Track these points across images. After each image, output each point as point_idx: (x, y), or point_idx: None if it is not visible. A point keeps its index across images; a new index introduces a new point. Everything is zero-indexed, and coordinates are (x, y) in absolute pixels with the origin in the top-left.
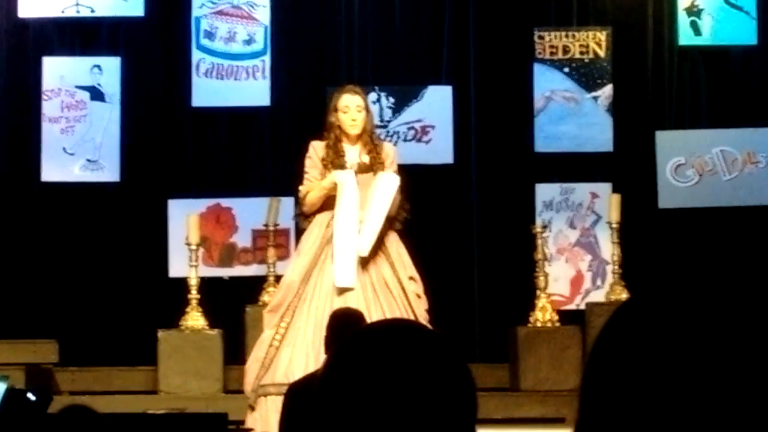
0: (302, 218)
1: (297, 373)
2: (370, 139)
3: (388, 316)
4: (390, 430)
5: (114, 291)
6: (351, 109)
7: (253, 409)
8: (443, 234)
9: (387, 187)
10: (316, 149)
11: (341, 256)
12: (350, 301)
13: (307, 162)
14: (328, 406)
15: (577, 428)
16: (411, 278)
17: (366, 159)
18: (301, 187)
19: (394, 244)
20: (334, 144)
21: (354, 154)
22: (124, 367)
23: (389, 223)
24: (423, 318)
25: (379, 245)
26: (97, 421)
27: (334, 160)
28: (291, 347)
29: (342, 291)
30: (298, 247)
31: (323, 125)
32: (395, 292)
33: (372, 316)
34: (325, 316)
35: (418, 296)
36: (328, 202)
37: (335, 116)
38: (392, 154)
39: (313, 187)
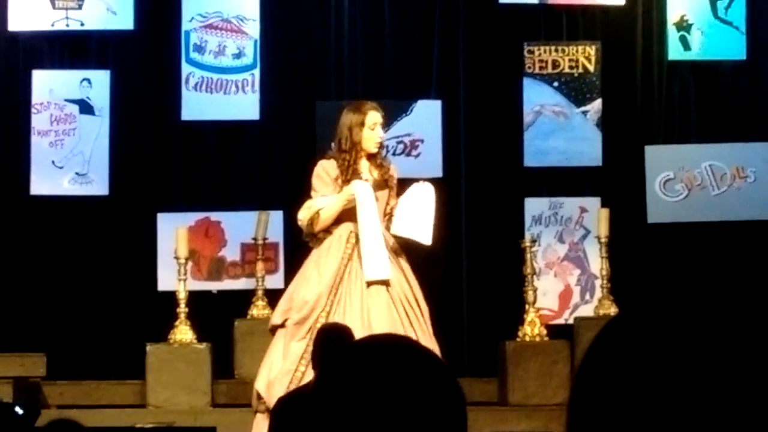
0: (314, 239)
1: None
2: (378, 155)
3: (417, 333)
4: None
5: (102, 304)
6: (377, 126)
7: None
8: (432, 248)
9: (428, 193)
10: (327, 168)
11: (370, 250)
12: (383, 317)
13: (316, 181)
14: (318, 421)
15: None
16: (419, 293)
17: (377, 175)
18: (310, 203)
19: (404, 258)
20: (353, 160)
21: (366, 171)
22: (112, 381)
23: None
24: (431, 333)
25: (397, 263)
26: None
27: (352, 178)
28: None
29: (375, 306)
30: (314, 262)
31: (338, 142)
32: (416, 311)
33: (406, 332)
34: (363, 332)
35: (427, 311)
36: (339, 217)
37: (359, 133)
38: (393, 169)
39: (325, 204)
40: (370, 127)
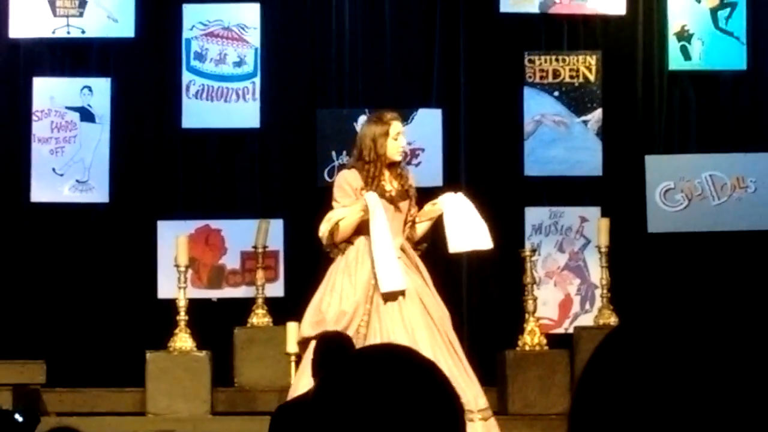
0: (335, 248)
1: None
2: (398, 166)
3: (452, 341)
4: None
5: (102, 312)
6: (401, 135)
7: None
8: (432, 257)
9: (462, 201)
10: (349, 179)
11: (382, 262)
12: (422, 326)
13: (338, 192)
14: (319, 430)
15: None
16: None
17: (397, 185)
18: (330, 215)
19: (426, 269)
20: (378, 170)
21: (388, 181)
22: (111, 389)
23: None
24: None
25: (420, 274)
26: None
27: (377, 189)
28: None
29: (413, 314)
30: (343, 273)
31: (360, 153)
32: (445, 320)
33: (438, 341)
34: (405, 340)
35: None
36: (361, 228)
37: (383, 144)
38: (411, 179)
39: (344, 215)
40: (394, 137)
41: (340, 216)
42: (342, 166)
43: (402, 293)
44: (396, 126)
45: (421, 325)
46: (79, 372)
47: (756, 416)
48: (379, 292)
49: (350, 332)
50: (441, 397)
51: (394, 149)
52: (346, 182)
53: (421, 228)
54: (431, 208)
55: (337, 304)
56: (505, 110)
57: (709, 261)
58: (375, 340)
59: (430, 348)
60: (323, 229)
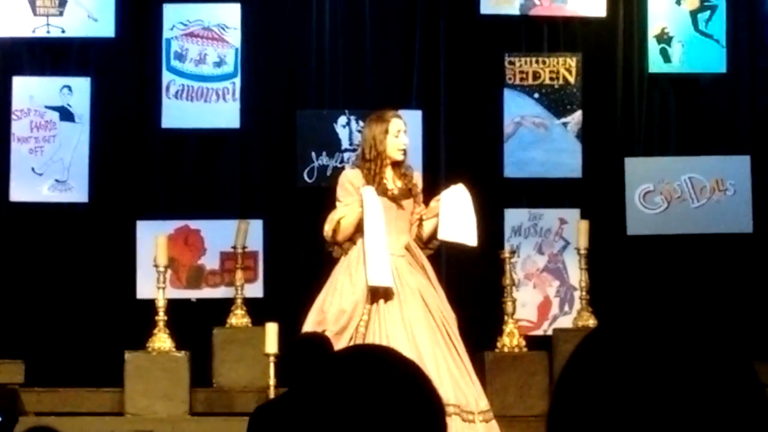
0: (338, 248)
1: None
2: (401, 165)
3: (454, 341)
4: None
5: (81, 312)
6: (401, 133)
7: None
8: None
9: (464, 195)
10: (351, 178)
11: (372, 256)
12: (423, 326)
13: (340, 191)
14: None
15: None
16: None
17: (400, 184)
18: (332, 215)
19: (432, 269)
20: (379, 170)
21: (390, 180)
22: (90, 389)
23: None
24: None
25: (424, 273)
26: None
27: (378, 187)
28: None
29: (415, 313)
30: (344, 272)
31: (362, 152)
32: (448, 319)
33: (439, 341)
34: (403, 340)
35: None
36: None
37: (383, 141)
38: (418, 179)
39: (346, 212)
40: (395, 135)
41: (341, 215)
42: (323, 167)
43: (405, 292)
44: (396, 123)
45: (421, 324)
46: (58, 372)
47: (731, 416)
48: (382, 290)
49: (349, 331)
50: (418, 397)
51: (393, 147)
52: (348, 181)
53: (429, 225)
54: (436, 204)
55: (337, 303)
56: (485, 112)
57: (689, 264)
58: (374, 339)
59: (430, 348)
60: (326, 229)
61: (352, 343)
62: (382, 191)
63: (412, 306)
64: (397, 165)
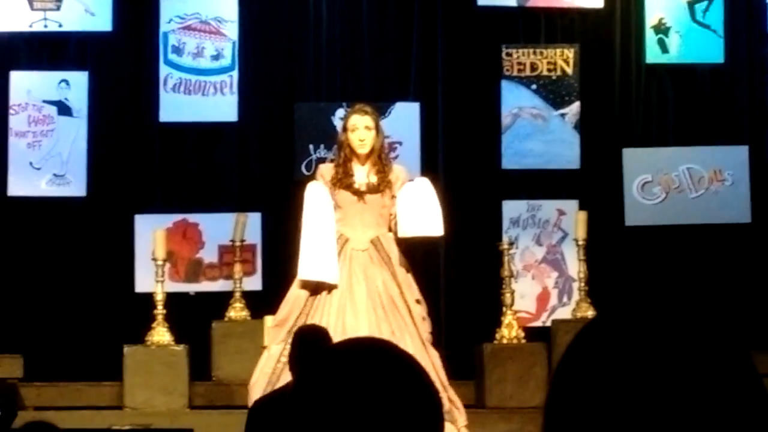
0: None
1: None
2: (379, 159)
3: (397, 335)
4: None
5: (80, 306)
6: (359, 128)
7: None
8: (409, 250)
9: (423, 186)
10: (322, 171)
11: (304, 250)
12: (362, 320)
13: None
14: (296, 424)
15: None
16: (417, 301)
17: (374, 179)
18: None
19: (403, 266)
20: (343, 163)
21: (362, 174)
22: (89, 383)
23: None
24: (428, 340)
25: (389, 267)
26: None
27: (343, 179)
28: None
29: (354, 308)
30: None
31: (336, 144)
32: (403, 313)
33: (382, 334)
34: (337, 333)
35: (423, 319)
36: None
37: (345, 136)
38: (402, 175)
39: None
40: (351, 130)
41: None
42: (320, 160)
43: (358, 285)
44: (353, 119)
45: (366, 317)
46: (57, 366)
47: (729, 407)
48: (327, 285)
49: (289, 324)
50: (420, 390)
51: (353, 141)
52: (320, 174)
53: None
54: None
55: (287, 295)
56: (483, 103)
57: (687, 254)
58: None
59: (369, 326)
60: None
61: (289, 336)
62: (347, 185)
63: (357, 297)
64: (374, 159)
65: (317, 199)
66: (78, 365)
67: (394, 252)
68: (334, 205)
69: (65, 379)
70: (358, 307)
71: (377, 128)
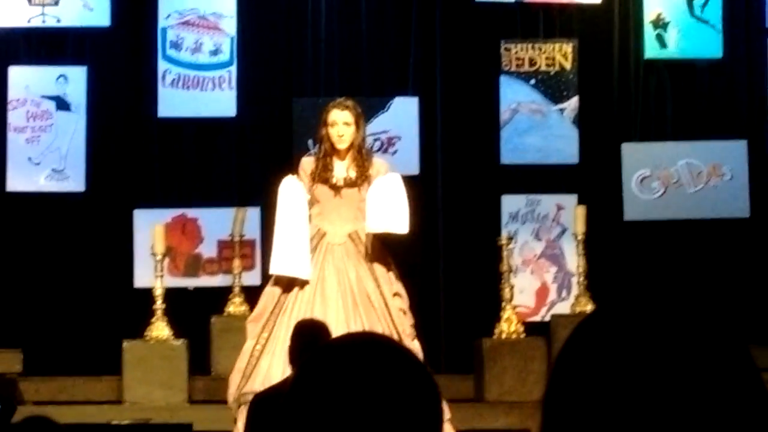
0: None
1: (275, 381)
2: (358, 154)
3: (367, 329)
4: None
5: (79, 301)
6: (338, 123)
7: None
8: (409, 245)
9: (393, 183)
10: (303, 165)
11: (276, 245)
12: (330, 312)
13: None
14: (295, 419)
15: None
16: (396, 294)
17: (353, 174)
18: None
19: (381, 260)
20: (323, 157)
21: (342, 168)
22: (88, 377)
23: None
24: (407, 334)
25: (366, 261)
26: (57, 431)
27: (321, 173)
28: (270, 356)
29: (323, 301)
30: None
31: (315, 138)
32: (377, 305)
33: (351, 327)
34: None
35: (403, 312)
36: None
37: (325, 130)
38: (383, 169)
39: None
40: (330, 125)
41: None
42: None
43: (330, 280)
44: (333, 114)
45: (335, 311)
46: (56, 361)
47: (727, 401)
48: (303, 281)
49: (263, 320)
50: (422, 384)
51: (332, 136)
52: (301, 168)
53: None
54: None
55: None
56: (482, 98)
57: (685, 249)
58: (282, 326)
59: (341, 320)
60: None
61: (260, 332)
62: (324, 179)
63: (328, 291)
64: (354, 153)
65: (291, 194)
66: (77, 360)
67: (374, 247)
68: (312, 199)
69: (64, 374)
70: (328, 302)
71: (357, 123)
